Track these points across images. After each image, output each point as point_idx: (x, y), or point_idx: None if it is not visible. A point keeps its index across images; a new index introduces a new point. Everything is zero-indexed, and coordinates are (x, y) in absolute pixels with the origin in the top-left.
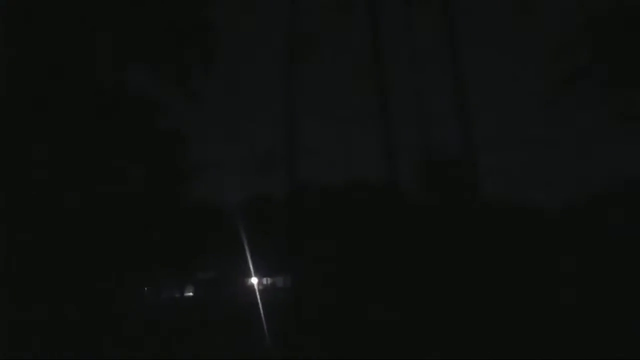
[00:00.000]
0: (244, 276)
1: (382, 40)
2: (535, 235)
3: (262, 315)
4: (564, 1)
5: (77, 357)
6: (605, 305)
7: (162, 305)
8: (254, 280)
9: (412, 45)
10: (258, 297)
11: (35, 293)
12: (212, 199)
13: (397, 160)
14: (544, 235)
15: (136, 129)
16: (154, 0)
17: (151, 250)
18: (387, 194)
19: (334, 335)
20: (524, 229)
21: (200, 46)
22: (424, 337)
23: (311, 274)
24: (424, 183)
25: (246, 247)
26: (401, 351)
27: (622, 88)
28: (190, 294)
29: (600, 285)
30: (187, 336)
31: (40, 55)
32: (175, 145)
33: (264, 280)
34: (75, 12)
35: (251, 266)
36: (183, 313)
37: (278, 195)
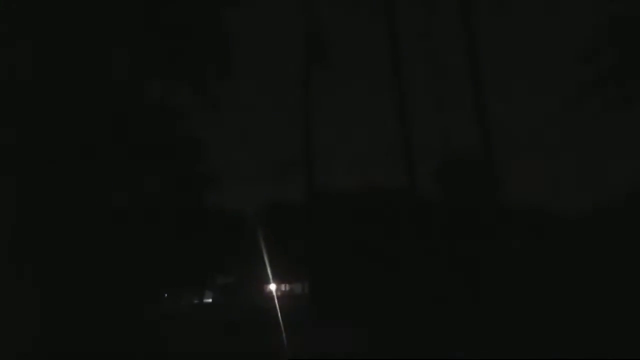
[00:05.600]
0: (263, 283)
1: (400, 42)
2: (558, 239)
3: (280, 319)
4: (592, 2)
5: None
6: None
7: (181, 312)
8: (273, 287)
9: (431, 46)
10: (277, 303)
11: (56, 294)
12: (230, 205)
13: (416, 163)
14: (567, 239)
15: (154, 137)
16: (171, 8)
17: (170, 257)
18: (406, 197)
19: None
20: (548, 232)
21: (217, 53)
22: (448, 340)
23: (329, 280)
24: (443, 186)
25: (265, 254)
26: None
27: None
28: (209, 300)
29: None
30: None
31: (59, 65)
32: (193, 152)
33: (283, 287)
34: (93, 21)
35: (269, 273)
36: (200, 318)
37: (296, 201)
